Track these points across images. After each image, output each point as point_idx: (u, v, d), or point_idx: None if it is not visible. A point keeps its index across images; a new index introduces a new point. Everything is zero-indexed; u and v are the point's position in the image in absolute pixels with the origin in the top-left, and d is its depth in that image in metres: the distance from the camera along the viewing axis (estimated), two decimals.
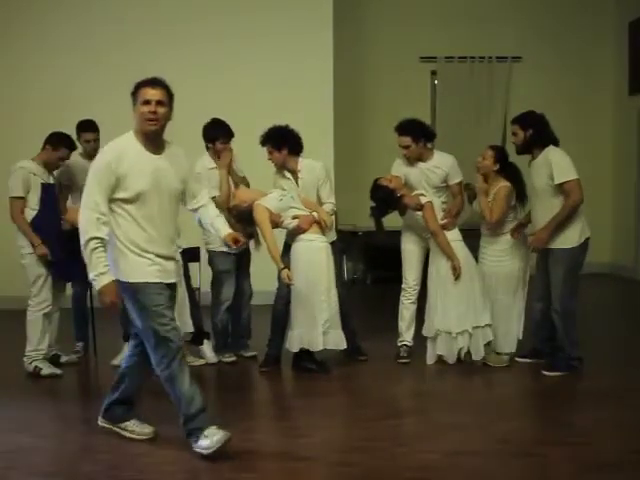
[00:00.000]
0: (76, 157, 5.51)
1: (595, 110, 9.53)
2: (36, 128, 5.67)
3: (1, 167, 5.52)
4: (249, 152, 5.48)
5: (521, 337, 5.17)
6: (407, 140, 5.19)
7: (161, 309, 3.60)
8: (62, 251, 5.13)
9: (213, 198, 5.27)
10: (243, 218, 5.11)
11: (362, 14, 9.11)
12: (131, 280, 3.57)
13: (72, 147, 5.28)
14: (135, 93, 3.60)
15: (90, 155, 5.62)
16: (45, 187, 5.14)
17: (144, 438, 3.85)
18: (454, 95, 9.28)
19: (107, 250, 3.53)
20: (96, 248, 3.48)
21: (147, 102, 3.53)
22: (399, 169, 5.33)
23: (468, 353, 5.13)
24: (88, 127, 5.55)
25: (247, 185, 5.51)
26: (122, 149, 3.58)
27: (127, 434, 3.87)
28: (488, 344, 5.14)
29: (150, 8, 7.62)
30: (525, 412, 4.40)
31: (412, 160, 5.28)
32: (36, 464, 3.61)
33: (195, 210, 3.94)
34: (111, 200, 3.53)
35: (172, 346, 3.60)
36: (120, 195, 3.53)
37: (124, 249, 3.57)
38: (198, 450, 3.57)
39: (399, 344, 5.38)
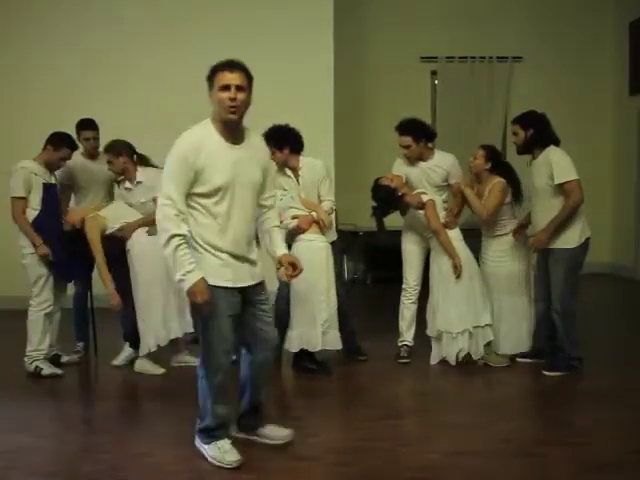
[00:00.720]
0: (77, 157, 5.52)
1: (595, 110, 9.53)
2: (37, 128, 5.66)
3: (2, 167, 5.53)
4: None
5: (529, 337, 5.18)
6: (408, 140, 5.19)
7: (223, 322, 3.36)
8: (63, 251, 5.14)
9: None
10: None
11: (363, 14, 9.12)
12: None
13: (73, 147, 5.28)
14: (211, 77, 3.31)
15: (90, 154, 5.64)
16: (46, 187, 5.14)
17: (279, 442, 3.73)
18: (454, 95, 9.28)
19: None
20: (179, 246, 3.22)
21: (226, 87, 3.24)
22: (400, 168, 5.33)
23: (468, 354, 5.14)
24: (87, 125, 5.56)
25: None
26: (200, 140, 3.29)
27: (266, 441, 3.75)
28: (488, 344, 5.14)
29: (150, 8, 7.61)
30: (525, 412, 4.40)
31: (413, 160, 5.28)
32: (36, 464, 3.61)
33: (260, 207, 3.57)
34: (188, 194, 3.29)
35: (219, 366, 3.48)
36: (197, 190, 3.28)
37: (198, 247, 3.32)
38: (202, 449, 3.57)
39: (399, 344, 5.38)
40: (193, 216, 3.33)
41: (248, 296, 3.49)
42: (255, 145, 3.44)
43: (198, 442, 3.63)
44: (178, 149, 3.30)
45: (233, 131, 3.33)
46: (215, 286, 3.33)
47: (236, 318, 3.44)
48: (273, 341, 3.65)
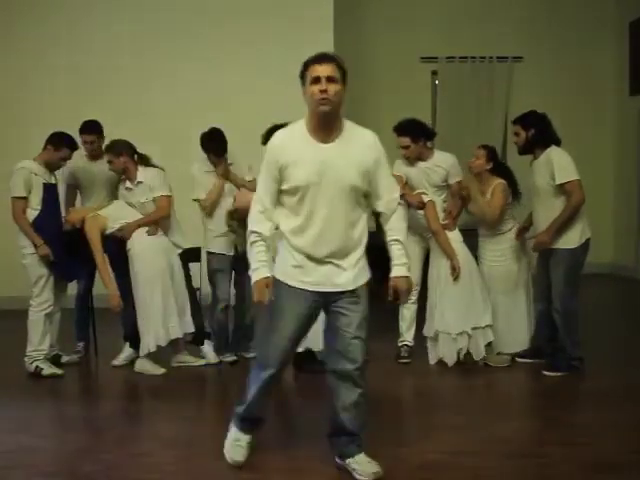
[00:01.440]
0: (79, 158, 5.50)
1: (595, 110, 9.52)
2: (37, 128, 5.66)
3: (2, 168, 5.53)
4: (249, 152, 5.47)
5: (527, 337, 5.18)
6: (406, 140, 5.20)
7: (283, 321, 3.28)
8: (64, 251, 5.14)
9: (197, 201, 5.34)
10: (245, 221, 5.10)
11: (363, 14, 9.11)
12: (276, 275, 3.29)
13: (74, 147, 5.27)
14: (303, 73, 3.18)
15: (92, 156, 5.62)
16: (47, 187, 5.14)
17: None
18: (455, 95, 9.28)
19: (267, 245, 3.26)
20: (254, 242, 3.25)
21: (316, 80, 3.10)
22: (400, 169, 5.33)
23: (469, 354, 5.14)
24: (86, 129, 5.51)
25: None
26: (287, 137, 3.23)
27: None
28: (489, 344, 5.14)
29: (149, 8, 7.61)
30: (525, 412, 4.40)
31: (412, 160, 5.28)
32: (36, 464, 3.61)
33: (378, 215, 3.37)
34: (279, 192, 3.25)
35: (270, 364, 3.36)
36: (282, 187, 3.21)
37: (284, 241, 3.29)
38: (229, 430, 3.56)
39: (400, 344, 5.38)
40: (283, 213, 3.29)
41: (326, 303, 3.31)
42: (353, 144, 3.19)
43: (232, 421, 3.60)
44: (268, 147, 3.28)
45: (326, 127, 3.16)
46: (283, 283, 3.28)
47: (302, 320, 3.31)
48: (349, 360, 3.33)
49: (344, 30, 8.28)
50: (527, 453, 3.59)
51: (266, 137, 5.15)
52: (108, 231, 5.17)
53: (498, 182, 5.09)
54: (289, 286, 3.26)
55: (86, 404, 4.70)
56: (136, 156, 5.29)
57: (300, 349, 5.00)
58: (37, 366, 5.11)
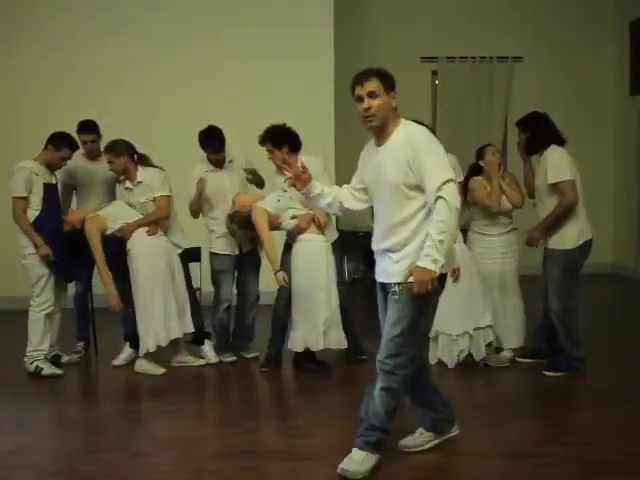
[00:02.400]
0: (78, 158, 5.50)
1: (596, 110, 9.52)
2: (37, 128, 5.66)
3: (2, 167, 5.53)
4: (249, 152, 5.49)
5: (523, 333, 5.18)
6: None
7: (381, 313, 3.57)
8: (64, 251, 5.14)
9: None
10: (245, 224, 5.12)
11: (363, 14, 9.11)
12: None
13: (74, 147, 5.27)
14: (352, 92, 3.38)
15: (89, 156, 5.62)
16: (47, 187, 5.14)
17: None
18: (455, 95, 9.27)
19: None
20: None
21: (359, 99, 3.32)
22: None
23: (469, 355, 5.14)
24: (84, 128, 5.51)
25: (261, 183, 5.50)
26: (368, 144, 3.54)
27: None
28: (489, 345, 5.14)
29: (150, 8, 7.61)
30: (525, 412, 4.39)
31: None
32: (36, 464, 3.61)
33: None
34: None
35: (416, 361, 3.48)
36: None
37: None
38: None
39: None
40: None
41: (386, 295, 3.48)
42: (397, 144, 3.31)
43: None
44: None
45: (379, 134, 3.38)
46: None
47: (382, 309, 3.55)
48: (380, 352, 3.47)
49: (344, 30, 8.29)
50: (527, 453, 3.59)
51: (265, 136, 5.16)
52: (108, 231, 5.17)
53: (511, 175, 5.22)
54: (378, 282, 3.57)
55: (86, 404, 4.70)
56: (136, 156, 5.29)
57: (299, 349, 5.02)
58: (37, 366, 5.11)
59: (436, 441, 3.70)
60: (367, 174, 3.46)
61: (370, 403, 3.46)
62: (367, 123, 3.32)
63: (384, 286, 3.47)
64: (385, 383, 3.41)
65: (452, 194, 3.19)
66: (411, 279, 3.23)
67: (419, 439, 3.69)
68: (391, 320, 3.36)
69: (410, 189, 3.28)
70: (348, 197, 3.61)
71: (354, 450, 3.44)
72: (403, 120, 3.37)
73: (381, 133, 3.36)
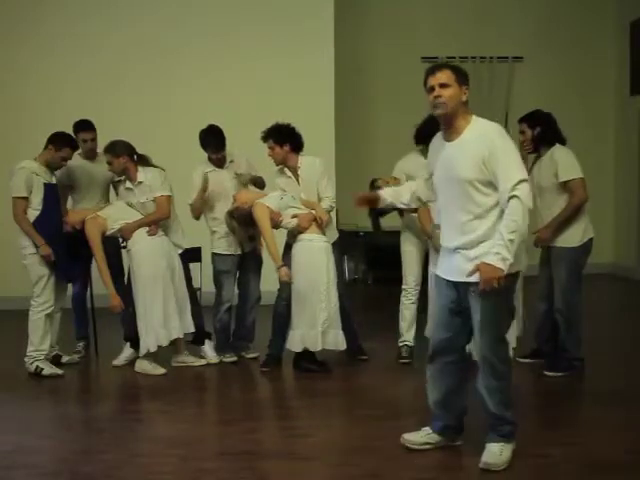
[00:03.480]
0: (76, 157, 5.48)
1: (596, 110, 9.51)
2: (37, 128, 5.67)
3: (2, 167, 5.53)
4: (250, 153, 5.49)
5: (520, 334, 5.17)
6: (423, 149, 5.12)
7: (438, 310, 3.57)
8: (64, 251, 5.14)
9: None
10: (245, 220, 5.12)
11: (363, 14, 9.11)
12: None
13: (75, 147, 5.27)
14: (425, 84, 3.43)
15: (88, 155, 5.62)
16: (48, 187, 5.13)
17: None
18: None
19: None
20: None
21: (431, 89, 3.36)
22: (401, 168, 5.28)
23: (469, 354, 5.12)
24: (85, 127, 5.51)
25: (262, 185, 5.50)
26: (435, 140, 3.55)
27: None
28: None
29: (150, 9, 7.61)
30: (526, 412, 4.38)
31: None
32: (37, 464, 3.61)
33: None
34: None
35: (432, 354, 3.60)
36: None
37: None
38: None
39: (400, 344, 5.37)
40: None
41: (459, 292, 3.45)
42: (470, 140, 3.32)
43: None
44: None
45: (449, 128, 3.39)
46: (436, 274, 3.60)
47: (452, 310, 3.49)
48: (483, 346, 3.44)
49: (345, 30, 8.29)
50: (527, 453, 3.58)
51: (268, 133, 5.17)
52: (108, 232, 5.18)
53: None
54: (438, 275, 3.59)
55: (86, 404, 4.71)
56: (136, 157, 5.29)
57: (298, 349, 5.02)
58: (37, 366, 5.11)
59: (438, 445, 3.69)
60: (435, 168, 3.47)
61: (485, 400, 3.50)
62: (434, 110, 3.36)
63: (455, 284, 3.44)
64: (492, 376, 3.47)
65: (526, 194, 3.22)
66: (476, 277, 3.25)
67: (424, 438, 3.69)
68: (480, 317, 3.38)
69: (483, 185, 3.30)
70: (423, 189, 3.69)
71: (490, 444, 3.47)
72: (475, 116, 3.40)
73: (450, 126, 3.38)
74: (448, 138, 3.41)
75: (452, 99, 3.32)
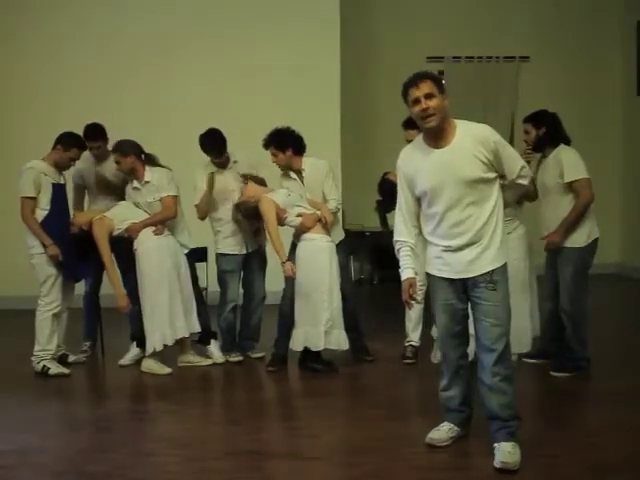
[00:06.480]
0: (87, 158, 5.48)
1: (603, 110, 9.48)
2: (42, 129, 5.68)
3: (10, 168, 5.55)
4: (252, 154, 5.49)
5: (531, 335, 5.15)
6: (414, 133, 5.16)
7: (439, 310, 3.59)
8: (72, 251, 5.16)
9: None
10: (250, 214, 5.14)
11: (369, 14, 9.11)
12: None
13: (83, 147, 5.28)
14: (405, 96, 3.44)
15: (97, 158, 5.59)
16: (56, 187, 5.15)
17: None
18: (461, 95, 9.22)
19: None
20: (399, 249, 3.58)
21: (416, 101, 3.37)
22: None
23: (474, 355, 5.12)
24: (90, 135, 5.36)
25: (264, 186, 5.50)
26: (410, 151, 3.55)
27: None
28: None
29: (150, 10, 7.62)
30: (530, 412, 4.38)
31: None
32: (43, 463, 3.63)
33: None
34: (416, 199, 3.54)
35: (443, 354, 3.73)
36: (415, 193, 3.52)
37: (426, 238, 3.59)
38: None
39: (406, 344, 5.37)
40: (423, 214, 3.56)
41: (467, 289, 3.50)
42: (464, 141, 3.38)
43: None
44: (398, 162, 3.60)
45: (437, 135, 3.41)
46: (431, 274, 3.59)
47: (452, 308, 3.56)
48: (488, 343, 3.49)
49: (350, 30, 8.29)
50: (531, 453, 3.57)
51: (269, 140, 5.18)
52: (115, 232, 5.19)
53: None
54: (434, 276, 3.58)
55: (92, 404, 4.72)
56: (143, 156, 5.31)
57: (299, 348, 5.03)
58: (44, 365, 5.13)
59: (460, 436, 3.77)
60: (424, 179, 3.42)
61: (489, 400, 3.54)
62: (426, 124, 3.37)
63: (463, 282, 3.48)
64: (501, 372, 3.51)
65: (529, 177, 3.59)
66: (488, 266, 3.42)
67: (448, 434, 3.74)
68: (487, 319, 3.47)
69: (484, 181, 3.40)
70: (412, 216, 3.60)
71: (501, 444, 3.47)
72: (456, 120, 3.45)
73: (439, 134, 3.40)
74: (436, 145, 3.41)
75: (439, 109, 3.36)
